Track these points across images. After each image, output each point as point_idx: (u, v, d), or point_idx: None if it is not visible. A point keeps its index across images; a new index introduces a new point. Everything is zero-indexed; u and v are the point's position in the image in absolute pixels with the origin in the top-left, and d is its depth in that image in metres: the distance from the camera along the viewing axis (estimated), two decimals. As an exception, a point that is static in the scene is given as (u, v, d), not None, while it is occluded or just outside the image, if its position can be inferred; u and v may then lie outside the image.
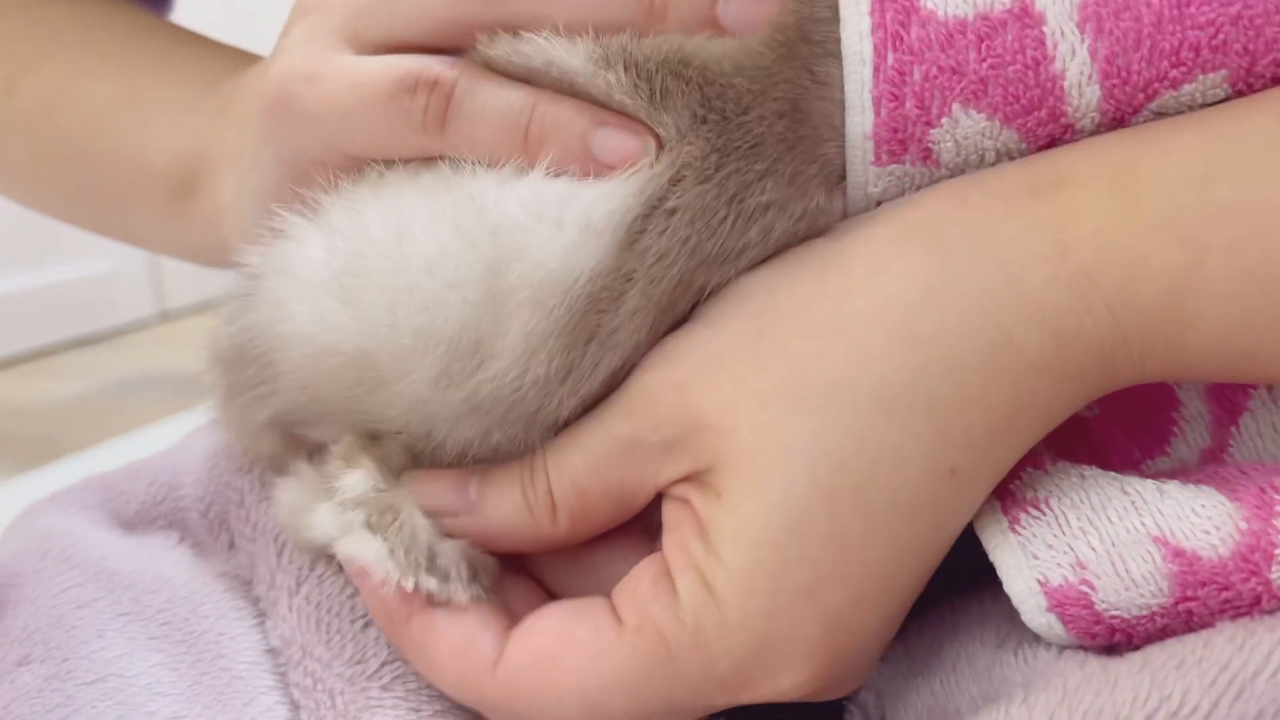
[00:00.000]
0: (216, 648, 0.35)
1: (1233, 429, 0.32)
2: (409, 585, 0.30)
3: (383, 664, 0.33)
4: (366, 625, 0.34)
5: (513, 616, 0.31)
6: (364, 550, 0.31)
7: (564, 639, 0.29)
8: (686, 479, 0.29)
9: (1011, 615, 0.31)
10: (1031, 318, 0.28)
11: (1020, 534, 0.30)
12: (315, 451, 0.34)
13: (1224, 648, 0.26)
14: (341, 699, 0.33)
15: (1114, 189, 0.28)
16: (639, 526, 0.32)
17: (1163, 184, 0.28)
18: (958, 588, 0.36)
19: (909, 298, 0.28)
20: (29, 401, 1.97)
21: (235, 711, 0.34)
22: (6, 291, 2.13)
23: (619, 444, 0.30)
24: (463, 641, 0.30)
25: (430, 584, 0.30)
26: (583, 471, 0.30)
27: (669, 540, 0.29)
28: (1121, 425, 0.33)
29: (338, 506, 0.31)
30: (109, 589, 0.36)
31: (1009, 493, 0.30)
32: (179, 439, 0.45)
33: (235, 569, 0.38)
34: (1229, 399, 0.32)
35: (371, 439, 0.32)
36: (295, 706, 0.34)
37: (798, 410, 0.28)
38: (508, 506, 0.31)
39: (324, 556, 0.35)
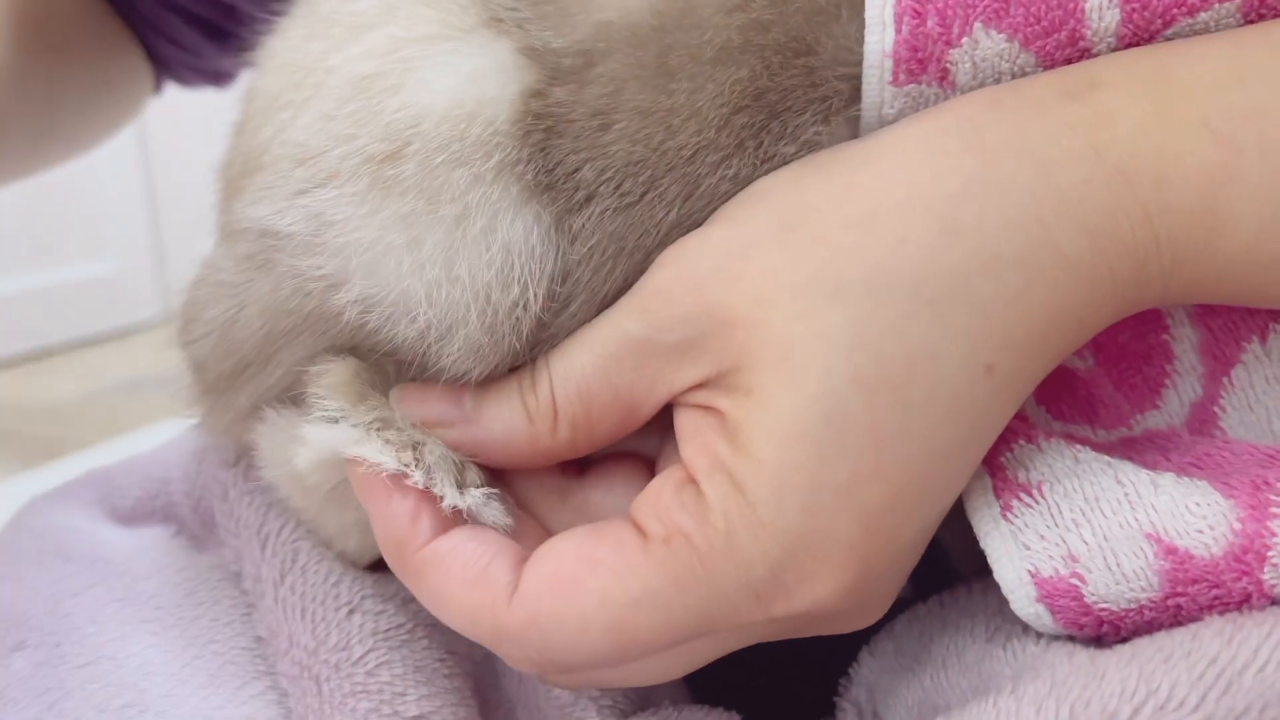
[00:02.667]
0: (209, 633, 0.36)
1: (1224, 380, 0.32)
2: (401, 466, 0.29)
3: (368, 651, 0.33)
4: (351, 613, 0.34)
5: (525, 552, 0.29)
6: (362, 445, 0.29)
7: (585, 560, 0.27)
8: (704, 384, 0.28)
9: (1001, 609, 0.31)
10: (1069, 215, 0.27)
11: (1012, 522, 0.29)
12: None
13: (1212, 642, 0.26)
14: (327, 685, 0.33)
15: (1148, 92, 0.28)
16: (632, 460, 0.30)
17: (1197, 85, 0.27)
18: (947, 580, 0.35)
19: (948, 191, 0.27)
20: (34, 400, 1.97)
21: (228, 693, 0.34)
22: (13, 291, 2.14)
23: (631, 345, 0.28)
24: (477, 571, 0.28)
25: (417, 476, 0.29)
26: (590, 374, 0.29)
27: (689, 447, 0.28)
28: (1113, 378, 0.33)
29: (323, 412, 0.30)
30: (103, 576, 0.37)
31: (1000, 469, 0.30)
32: (174, 435, 0.45)
33: (225, 562, 0.38)
34: (1222, 352, 0.32)
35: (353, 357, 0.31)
36: (285, 694, 0.34)
37: (834, 300, 0.27)
38: (506, 414, 0.30)
39: (309, 529, 0.35)
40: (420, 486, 0.29)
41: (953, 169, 0.28)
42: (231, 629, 0.36)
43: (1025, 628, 0.30)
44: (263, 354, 0.32)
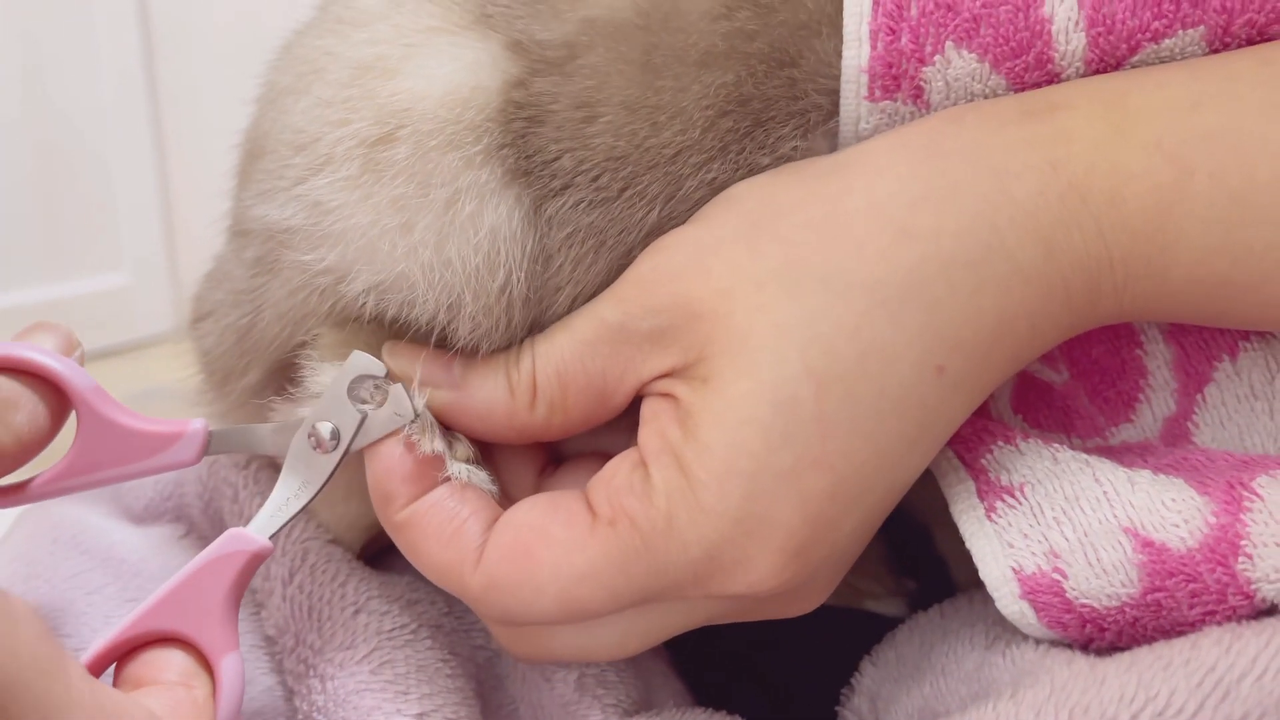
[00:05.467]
0: None
1: (1198, 397, 0.32)
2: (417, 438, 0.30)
3: (372, 650, 0.34)
4: (357, 613, 0.35)
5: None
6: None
7: (539, 533, 0.29)
8: (670, 374, 0.29)
9: (1000, 617, 0.31)
10: (1023, 224, 0.28)
11: (996, 522, 0.30)
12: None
13: (1211, 650, 0.26)
14: (332, 683, 0.33)
15: (1106, 114, 0.29)
16: (604, 460, 0.31)
17: (1153, 110, 0.29)
18: (948, 591, 0.36)
19: (907, 196, 0.28)
20: (46, 412, 1.98)
21: None
22: (27, 303, 2.16)
23: (607, 331, 0.30)
24: (453, 530, 0.30)
25: (413, 427, 0.30)
26: (568, 358, 0.30)
27: (645, 431, 0.29)
28: (1088, 392, 0.33)
29: (325, 354, 0.31)
30: (116, 575, 0.37)
31: (982, 472, 0.31)
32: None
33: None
34: (1195, 369, 0.32)
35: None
36: (292, 692, 0.35)
37: (793, 295, 0.28)
38: (490, 386, 0.31)
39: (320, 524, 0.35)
40: (413, 436, 0.30)
41: (911, 176, 0.29)
42: (242, 626, 0.36)
43: (1025, 635, 0.31)
44: (283, 349, 0.33)
